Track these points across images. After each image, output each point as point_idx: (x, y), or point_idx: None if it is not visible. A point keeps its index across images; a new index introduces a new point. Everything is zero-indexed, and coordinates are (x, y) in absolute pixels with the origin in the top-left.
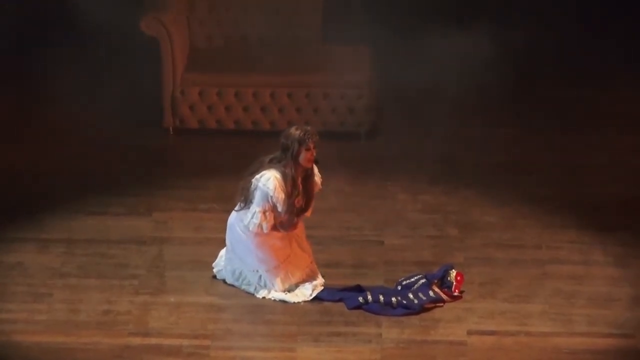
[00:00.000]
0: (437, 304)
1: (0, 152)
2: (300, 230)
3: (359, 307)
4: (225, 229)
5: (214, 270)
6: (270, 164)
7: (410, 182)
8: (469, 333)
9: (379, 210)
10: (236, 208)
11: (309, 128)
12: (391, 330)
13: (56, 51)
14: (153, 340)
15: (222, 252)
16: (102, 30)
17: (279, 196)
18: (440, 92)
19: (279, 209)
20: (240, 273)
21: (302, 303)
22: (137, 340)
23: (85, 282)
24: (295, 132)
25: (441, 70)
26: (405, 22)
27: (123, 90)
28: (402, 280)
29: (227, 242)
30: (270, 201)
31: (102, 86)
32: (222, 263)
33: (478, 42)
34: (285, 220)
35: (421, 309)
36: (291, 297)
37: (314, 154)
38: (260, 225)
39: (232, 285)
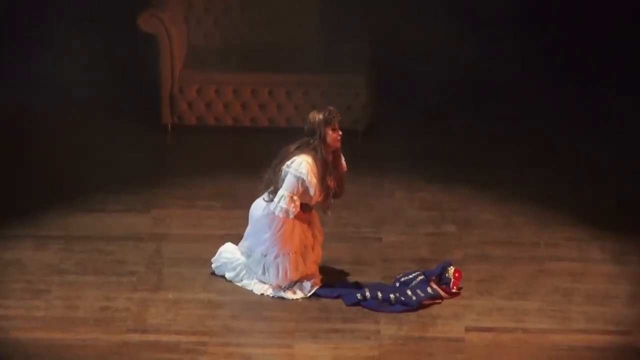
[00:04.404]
0: (435, 301)
1: None
2: (320, 237)
3: (357, 303)
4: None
5: (213, 266)
6: (298, 150)
7: (408, 179)
8: (467, 330)
9: (377, 207)
10: (264, 198)
11: (331, 108)
12: (389, 327)
13: (54, 48)
14: (151, 337)
15: (221, 248)
16: (101, 27)
17: (312, 180)
18: (438, 90)
19: (311, 192)
20: (241, 269)
21: (300, 300)
22: (135, 337)
23: (83, 278)
24: (318, 114)
25: (439, 67)
26: (402, 19)
27: (121, 88)
28: (400, 277)
29: (245, 233)
30: (302, 186)
31: (100, 83)
32: (221, 259)
33: (476, 39)
34: (321, 201)
35: (419, 306)
36: (289, 294)
37: (340, 133)
38: (287, 211)
39: (231, 282)
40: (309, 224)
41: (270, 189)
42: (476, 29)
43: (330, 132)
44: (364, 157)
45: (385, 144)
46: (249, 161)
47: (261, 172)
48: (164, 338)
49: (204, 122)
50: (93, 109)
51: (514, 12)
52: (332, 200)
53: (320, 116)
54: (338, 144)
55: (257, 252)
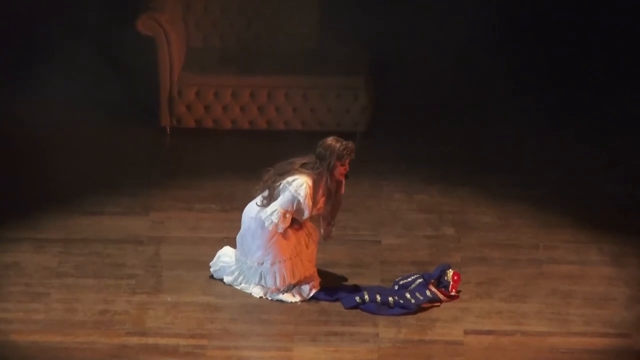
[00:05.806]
0: (434, 304)
1: None
2: (314, 234)
3: (355, 306)
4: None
5: (211, 269)
6: (303, 169)
7: (406, 181)
8: (466, 333)
9: (375, 210)
10: (257, 202)
11: (350, 144)
12: (388, 330)
13: (53, 50)
14: (150, 340)
15: (220, 251)
16: (99, 30)
17: (308, 203)
18: (436, 93)
19: (305, 215)
20: (240, 272)
21: (299, 303)
22: (134, 340)
23: (82, 281)
24: (335, 144)
25: (438, 69)
26: (400, 21)
27: (120, 90)
28: (399, 280)
29: (238, 236)
30: (296, 206)
31: (99, 86)
32: (220, 263)
33: (475, 40)
34: (323, 228)
35: (418, 309)
36: (288, 297)
37: (347, 168)
38: (276, 225)
39: (230, 285)
40: (300, 235)
41: (265, 194)
42: (475, 31)
43: (339, 165)
44: (362, 160)
45: (383, 146)
46: (248, 164)
47: (261, 173)
48: (163, 341)
49: (202, 125)
50: (92, 111)
51: (513, 13)
52: (333, 228)
53: (337, 147)
54: (342, 178)
55: (252, 261)
